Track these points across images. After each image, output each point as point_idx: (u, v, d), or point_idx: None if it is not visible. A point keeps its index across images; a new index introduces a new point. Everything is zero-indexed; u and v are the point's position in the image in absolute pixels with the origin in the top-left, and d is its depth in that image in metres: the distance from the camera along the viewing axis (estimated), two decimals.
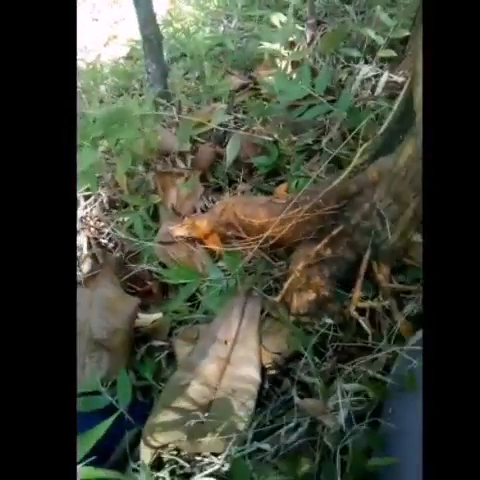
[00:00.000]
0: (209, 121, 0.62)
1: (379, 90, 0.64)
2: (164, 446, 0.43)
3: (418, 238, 0.50)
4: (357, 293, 0.51)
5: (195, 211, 0.66)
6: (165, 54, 1.26)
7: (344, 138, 0.62)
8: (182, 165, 0.71)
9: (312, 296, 0.52)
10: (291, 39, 0.93)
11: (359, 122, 0.55)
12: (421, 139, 0.44)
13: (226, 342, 0.52)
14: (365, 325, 0.48)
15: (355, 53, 0.76)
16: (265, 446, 0.39)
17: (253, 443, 0.39)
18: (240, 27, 1.20)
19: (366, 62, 0.74)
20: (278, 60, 0.87)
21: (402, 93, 0.49)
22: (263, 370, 0.50)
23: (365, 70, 0.68)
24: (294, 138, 0.62)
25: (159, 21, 1.57)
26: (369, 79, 0.69)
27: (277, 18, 0.90)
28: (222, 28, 1.28)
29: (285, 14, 1.00)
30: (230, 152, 0.60)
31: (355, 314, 0.50)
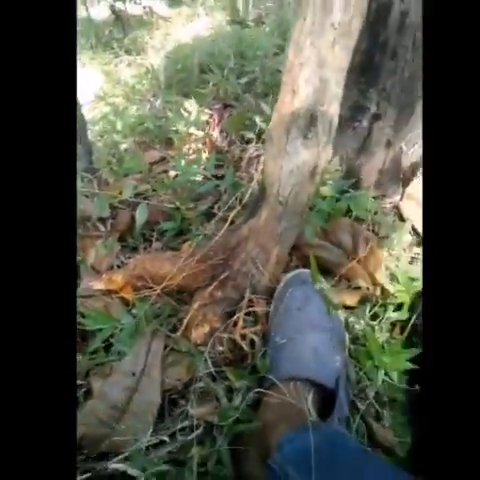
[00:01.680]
0: (120, 193, 0.83)
1: (261, 167, 0.89)
2: None
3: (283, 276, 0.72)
4: (240, 323, 0.70)
5: (112, 268, 0.84)
6: (97, 128, 1.51)
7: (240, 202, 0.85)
8: (102, 228, 0.90)
9: (207, 329, 0.71)
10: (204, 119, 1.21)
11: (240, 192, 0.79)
12: (271, 206, 0.67)
13: (134, 374, 0.68)
14: (245, 347, 0.67)
15: (249, 134, 1.03)
16: (164, 437, 0.55)
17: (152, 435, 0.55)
18: (164, 106, 1.48)
19: (257, 142, 1.01)
20: (191, 138, 1.13)
21: (259, 170, 0.73)
22: (165, 394, 0.66)
23: (251, 150, 0.94)
24: (193, 205, 0.85)
25: (93, 97, 1.84)
26: (257, 156, 0.95)
27: (189, 104, 1.17)
28: (148, 106, 1.57)
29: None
30: (139, 218, 0.80)
31: (238, 339, 0.68)
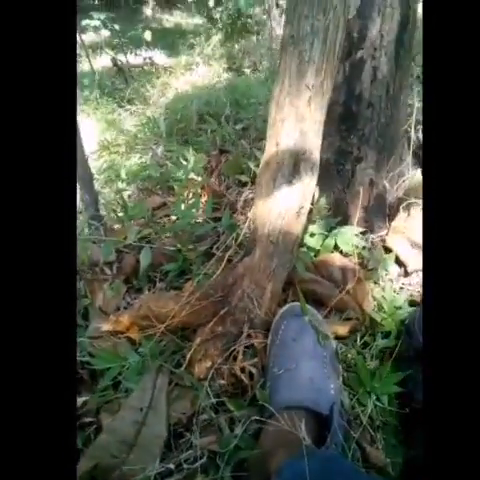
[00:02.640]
0: (125, 238, 0.91)
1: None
2: None
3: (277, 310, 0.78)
4: (239, 357, 0.75)
5: (119, 309, 0.90)
6: (102, 176, 1.61)
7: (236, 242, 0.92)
8: (109, 272, 0.97)
9: (209, 364, 0.76)
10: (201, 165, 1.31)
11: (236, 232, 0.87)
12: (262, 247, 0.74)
13: (141, 409, 0.73)
14: (245, 379, 0.72)
15: (244, 178, 1.12)
16: (170, 466, 0.59)
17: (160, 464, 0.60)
18: (165, 154, 1.60)
19: (252, 185, 1.10)
20: (191, 183, 1.22)
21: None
22: (172, 427, 0.71)
23: (246, 192, 1.02)
24: (193, 246, 0.92)
25: (97, 146, 1.95)
26: (252, 199, 1.03)
27: (188, 152, 1.28)
28: (150, 154, 1.68)
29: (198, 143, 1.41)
30: (143, 261, 0.87)
31: (238, 372, 0.74)
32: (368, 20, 0.76)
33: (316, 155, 0.70)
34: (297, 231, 0.71)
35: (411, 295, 0.81)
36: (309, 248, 0.82)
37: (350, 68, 0.81)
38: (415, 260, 0.83)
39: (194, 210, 0.90)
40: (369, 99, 0.82)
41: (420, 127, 1.05)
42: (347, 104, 0.84)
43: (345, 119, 0.85)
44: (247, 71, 3.10)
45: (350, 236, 0.82)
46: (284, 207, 0.69)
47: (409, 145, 0.93)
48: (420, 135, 1.03)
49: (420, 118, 1.06)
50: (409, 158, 0.93)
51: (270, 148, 0.70)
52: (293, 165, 0.68)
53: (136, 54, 4.49)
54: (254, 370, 0.72)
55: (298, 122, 0.66)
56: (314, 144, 0.68)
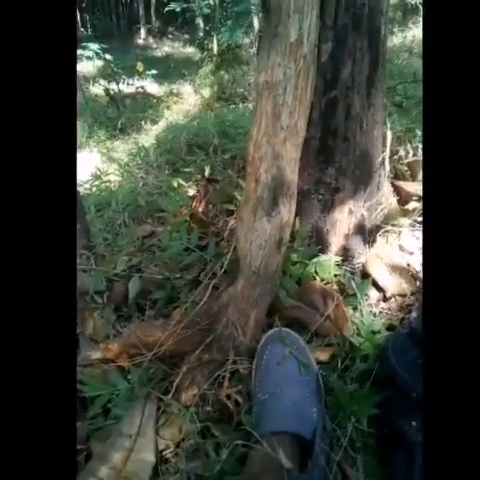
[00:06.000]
0: (115, 267, 0.94)
1: None
2: None
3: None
4: (225, 383, 0.78)
5: (109, 337, 0.93)
6: (93, 206, 1.64)
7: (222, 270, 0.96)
8: (100, 301, 1.00)
9: (195, 391, 0.78)
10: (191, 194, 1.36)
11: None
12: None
13: (130, 436, 0.75)
14: (231, 406, 0.74)
15: (230, 207, 1.17)
16: None
17: None
18: (154, 183, 1.64)
19: None
20: (179, 212, 1.27)
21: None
22: (159, 453, 0.72)
23: (232, 222, 1.06)
24: (181, 274, 0.96)
25: (88, 176, 1.99)
26: None
27: (176, 182, 1.32)
28: (141, 183, 1.73)
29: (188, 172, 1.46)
30: (131, 290, 0.91)
31: (224, 399, 0.76)
32: (340, 63, 0.81)
33: (293, 190, 0.74)
34: (278, 261, 0.75)
35: (390, 319, 0.84)
36: (291, 276, 0.86)
37: (325, 106, 0.86)
38: (393, 285, 0.87)
39: (181, 240, 0.94)
40: (344, 134, 0.87)
41: (395, 157, 1.10)
42: (324, 139, 0.89)
43: (323, 152, 0.90)
44: (237, 100, 3.20)
45: (329, 265, 0.85)
46: (265, 238, 0.73)
47: (385, 175, 0.98)
48: (396, 165, 1.08)
49: (394, 149, 1.12)
50: (385, 188, 0.98)
51: (250, 184, 0.74)
52: (272, 199, 0.73)
53: (128, 83, 4.60)
54: (239, 397, 0.74)
55: (275, 160, 0.71)
56: (291, 179, 0.73)
